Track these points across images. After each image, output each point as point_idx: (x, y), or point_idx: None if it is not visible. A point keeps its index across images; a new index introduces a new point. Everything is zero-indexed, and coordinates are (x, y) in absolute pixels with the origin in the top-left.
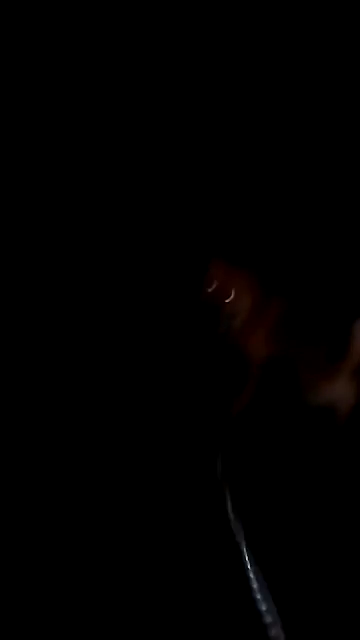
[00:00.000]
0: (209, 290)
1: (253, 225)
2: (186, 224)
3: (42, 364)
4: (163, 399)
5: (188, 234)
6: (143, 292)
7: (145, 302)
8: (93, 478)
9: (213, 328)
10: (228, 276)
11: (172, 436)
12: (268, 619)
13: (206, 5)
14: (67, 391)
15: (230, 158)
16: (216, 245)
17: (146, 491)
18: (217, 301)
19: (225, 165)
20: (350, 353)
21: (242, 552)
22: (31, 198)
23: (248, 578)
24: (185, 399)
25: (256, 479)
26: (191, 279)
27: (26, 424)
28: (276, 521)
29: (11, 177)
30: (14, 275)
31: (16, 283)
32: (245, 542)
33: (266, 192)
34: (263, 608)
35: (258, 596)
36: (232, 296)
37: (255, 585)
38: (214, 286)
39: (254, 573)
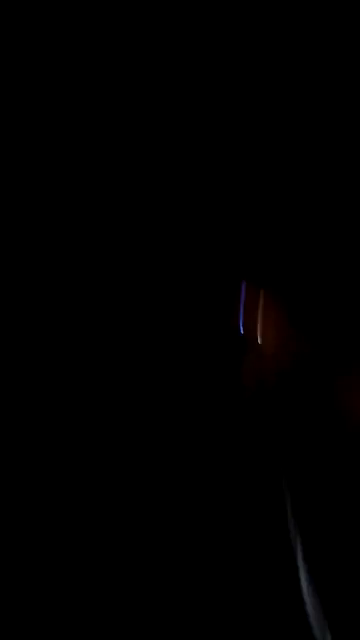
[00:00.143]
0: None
1: (277, 247)
2: (215, 243)
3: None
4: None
5: (217, 253)
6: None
7: (177, 312)
8: (137, 487)
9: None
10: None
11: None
12: (318, 634)
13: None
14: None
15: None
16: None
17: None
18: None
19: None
20: None
21: (297, 567)
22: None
23: (302, 593)
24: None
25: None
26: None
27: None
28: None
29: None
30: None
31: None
32: (302, 556)
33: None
34: (314, 623)
35: (310, 610)
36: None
37: (307, 599)
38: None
39: (308, 587)
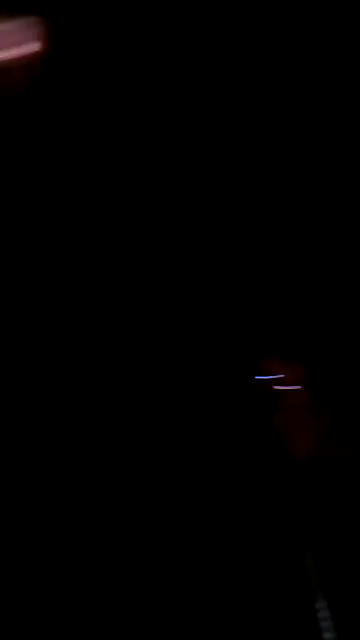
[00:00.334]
0: (266, 381)
1: (306, 324)
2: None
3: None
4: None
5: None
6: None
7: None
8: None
9: (266, 420)
10: (286, 371)
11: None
12: None
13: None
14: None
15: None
16: (272, 340)
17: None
18: (273, 394)
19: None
20: None
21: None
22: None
23: (316, 609)
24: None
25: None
26: (249, 368)
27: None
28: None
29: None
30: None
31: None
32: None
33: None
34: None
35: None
36: (287, 390)
37: (321, 614)
38: (270, 378)
39: (322, 604)
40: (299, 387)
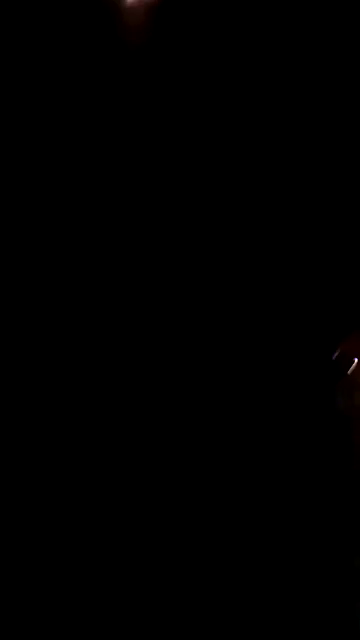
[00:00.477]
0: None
1: None
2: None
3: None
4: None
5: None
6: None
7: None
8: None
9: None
10: (353, 345)
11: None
12: None
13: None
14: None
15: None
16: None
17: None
18: (339, 371)
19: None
20: None
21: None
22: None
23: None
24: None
25: None
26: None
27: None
28: None
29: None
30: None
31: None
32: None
33: None
34: None
35: None
36: (355, 366)
37: None
38: (337, 353)
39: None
40: None
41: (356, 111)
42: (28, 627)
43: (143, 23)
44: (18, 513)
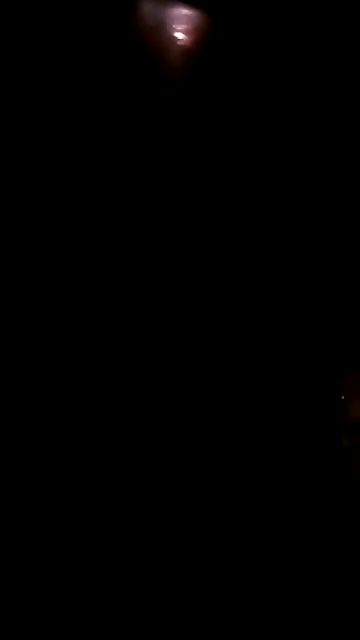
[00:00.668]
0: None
1: None
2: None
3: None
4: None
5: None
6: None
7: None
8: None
9: (338, 440)
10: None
11: None
12: None
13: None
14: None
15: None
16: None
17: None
18: (343, 411)
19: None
20: None
21: None
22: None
23: None
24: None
25: None
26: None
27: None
28: None
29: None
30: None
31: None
32: None
33: None
34: None
35: None
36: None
37: None
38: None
39: None
40: None
41: (356, 112)
42: (28, 627)
43: (183, 66)
44: (18, 513)
